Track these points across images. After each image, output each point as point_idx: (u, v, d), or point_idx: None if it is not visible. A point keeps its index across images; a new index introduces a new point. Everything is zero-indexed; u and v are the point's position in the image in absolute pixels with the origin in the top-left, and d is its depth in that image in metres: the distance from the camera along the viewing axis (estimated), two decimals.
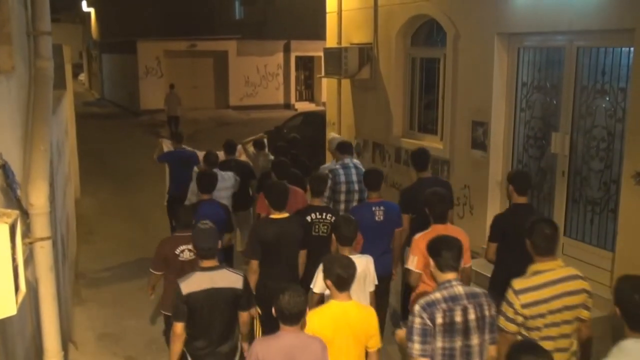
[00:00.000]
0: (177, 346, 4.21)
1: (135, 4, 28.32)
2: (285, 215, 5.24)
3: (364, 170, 6.43)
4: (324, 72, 10.91)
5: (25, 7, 4.43)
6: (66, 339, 5.51)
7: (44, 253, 3.73)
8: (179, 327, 4.15)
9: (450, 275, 3.68)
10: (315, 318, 3.78)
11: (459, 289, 3.62)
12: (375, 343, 3.93)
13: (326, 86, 12.14)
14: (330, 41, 11.11)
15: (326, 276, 3.88)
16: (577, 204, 6.81)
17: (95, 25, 36.58)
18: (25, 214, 3.61)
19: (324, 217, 5.54)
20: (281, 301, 3.54)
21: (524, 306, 3.71)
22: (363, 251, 4.98)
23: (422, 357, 3.57)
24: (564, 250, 6.84)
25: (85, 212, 11.03)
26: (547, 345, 3.46)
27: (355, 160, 6.99)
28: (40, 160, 3.90)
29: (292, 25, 26.08)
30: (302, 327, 3.70)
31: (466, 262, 4.73)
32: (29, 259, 3.63)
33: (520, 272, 3.85)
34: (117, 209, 11.48)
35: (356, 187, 6.66)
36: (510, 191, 5.27)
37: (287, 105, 28.59)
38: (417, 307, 3.60)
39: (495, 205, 7.68)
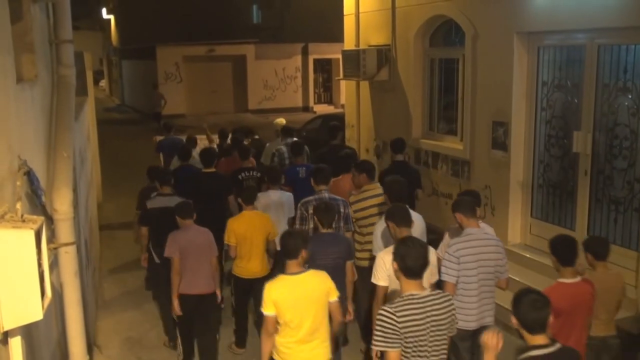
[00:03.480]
0: (144, 243, 6.44)
1: (154, 11, 28.58)
2: (213, 170, 7.53)
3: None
4: (343, 74, 10.91)
5: (47, 16, 4.49)
6: (91, 343, 5.57)
7: (68, 258, 3.78)
8: (144, 230, 6.38)
9: (322, 187, 6.01)
10: (234, 222, 6.02)
11: (325, 195, 5.95)
12: (273, 235, 6.00)
13: (345, 88, 12.14)
14: (348, 43, 11.11)
15: (237, 196, 6.32)
16: (601, 203, 6.72)
17: (115, 32, 36.94)
18: (49, 220, 3.65)
19: (251, 174, 7.80)
20: (176, 209, 5.68)
21: (355, 211, 6.04)
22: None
23: None
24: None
25: (107, 217, 11.14)
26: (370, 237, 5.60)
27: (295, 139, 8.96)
28: (63, 166, 3.95)
29: (309, 28, 26.10)
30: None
31: None
32: (54, 264, 3.67)
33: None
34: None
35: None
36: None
37: (306, 108, 28.58)
38: (299, 205, 6.01)
39: (517, 206, 7.61)
